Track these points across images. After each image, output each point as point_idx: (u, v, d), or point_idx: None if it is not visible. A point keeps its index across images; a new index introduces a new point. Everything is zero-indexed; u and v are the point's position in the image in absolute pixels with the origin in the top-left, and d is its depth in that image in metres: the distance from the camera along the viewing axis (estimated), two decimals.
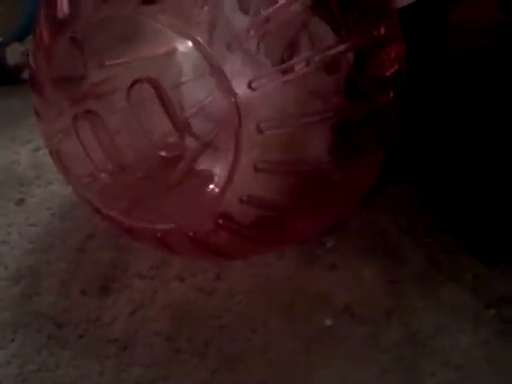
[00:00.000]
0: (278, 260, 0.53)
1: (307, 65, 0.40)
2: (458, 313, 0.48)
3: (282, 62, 0.40)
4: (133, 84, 0.40)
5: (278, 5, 0.39)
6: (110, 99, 0.43)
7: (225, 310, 0.50)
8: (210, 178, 0.42)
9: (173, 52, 0.41)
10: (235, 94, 0.39)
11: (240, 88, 0.39)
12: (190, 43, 0.39)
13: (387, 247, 0.53)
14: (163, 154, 0.42)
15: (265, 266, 0.52)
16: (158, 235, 0.46)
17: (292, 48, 0.41)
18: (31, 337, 0.49)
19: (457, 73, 0.50)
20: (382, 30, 0.42)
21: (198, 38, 0.38)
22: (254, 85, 0.39)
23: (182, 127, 0.41)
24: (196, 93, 0.41)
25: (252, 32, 0.39)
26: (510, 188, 0.49)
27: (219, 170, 0.42)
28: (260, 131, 0.40)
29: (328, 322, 0.49)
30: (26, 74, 0.72)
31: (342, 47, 0.41)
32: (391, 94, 0.44)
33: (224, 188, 0.41)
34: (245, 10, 0.40)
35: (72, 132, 0.44)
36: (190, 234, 0.45)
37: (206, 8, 0.38)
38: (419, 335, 0.47)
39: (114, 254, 0.55)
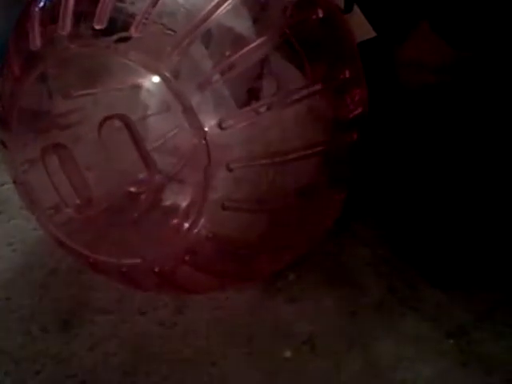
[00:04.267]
0: (238, 293, 0.52)
1: (272, 107, 0.40)
2: (419, 343, 0.48)
3: (248, 103, 0.40)
4: (104, 120, 0.39)
5: (244, 50, 0.39)
6: (78, 132, 0.42)
7: (185, 343, 0.49)
8: (176, 214, 0.41)
9: (140, 86, 0.40)
10: (205, 132, 0.38)
11: (210, 126, 0.38)
12: (158, 78, 0.38)
13: (348, 278, 0.53)
14: (132, 189, 0.41)
15: (225, 299, 0.51)
16: (123, 269, 0.44)
17: (257, 90, 0.41)
18: None
19: (411, 108, 0.51)
20: (347, 74, 0.43)
21: (167, 75, 0.38)
22: (223, 124, 0.38)
23: (151, 162, 0.40)
24: (161, 127, 0.41)
25: (217, 76, 0.39)
26: (467, 216, 0.49)
27: (187, 207, 0.41)
28: (229, 169, 0.39)
29: (288, 354, 0.48)
30: None
31: (306, 91, 0.41)
32: (354, 136, 0.44)
33: (192, 224, 0.41)
34: (210, 55, 0.39)
35: (39, 164, 0.42)
36: (156, 269, 0.43)
37: (176, 50, 0.38)
38: (380, 366, 0.46)
39: (75, 290, 0.52)
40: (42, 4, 0.42)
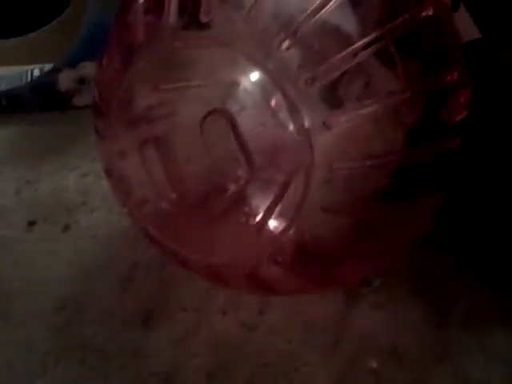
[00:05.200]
0: (322, 298, 0.50)
1: (377, 108, 0.38)
2: (508, 361, 0.45)
3: (345, 104, 0.38)
4: (207, 114, 0.38)
5: (344, 53, 0.38)
6: (177, 125, 0.41)
7: (267, 346, 0.47)
8: (269, 215, 0.40)
9: (244, 79, 0.39)
10: (310, 131, 0.37)
11: (314, 125, 0.37)
12: (262, 72, 0.37)
13: (435, 289, 0.51)
14: (229, 186, 0.40)
15: (308, 303, 0.49)
16: (213, 268, 0.44)
17: (363, 90, 0.39)
18: (73, 366, 0.46)
19: None
20: (455, 76, 0.40)
21: (273, 69, 0.37)
22: (328, 123, 0.37)
23: (251, 160, 0.39)
24: (263, 124, 0.40)
25: (322, 74, 0.37)
26: None
27: (284, 208, 0.39)
28: (331, 171, 0.38)
29: (374, 365, 0.46)
30: (76, 100, 0.71)
31: (407, 93, 0.39)
32: (458, 141, 0.42)
33: (288, 227, 0.39)
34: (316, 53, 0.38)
35: (136, 156, 0.42)
36: (246, 269, 0.42)
37: (283, 45, 0.37)
38: (471, 381, 0.44)
39: (157, 285, 0.51)
40: None
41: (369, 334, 0.48)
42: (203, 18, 0.38)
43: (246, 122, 0.39)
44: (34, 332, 0.49)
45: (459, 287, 0.51)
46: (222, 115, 0.38)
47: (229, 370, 0.46)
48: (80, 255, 0.55)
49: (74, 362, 0.46)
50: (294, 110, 0.37)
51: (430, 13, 0.41)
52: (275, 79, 0.37)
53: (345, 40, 0.38)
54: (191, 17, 0.39)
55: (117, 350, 0.47)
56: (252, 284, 0.44)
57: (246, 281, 0.44)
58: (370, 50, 0.38)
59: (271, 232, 0.40)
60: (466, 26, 0.47)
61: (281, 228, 0.40)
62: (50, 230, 0.58)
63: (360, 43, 0.38)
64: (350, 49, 0.38)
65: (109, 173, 0.45)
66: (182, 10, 0.39)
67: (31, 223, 0.59)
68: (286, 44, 0.37)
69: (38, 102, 0.72)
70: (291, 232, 0.40)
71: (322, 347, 0.47)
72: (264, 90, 0.38)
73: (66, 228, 0.58)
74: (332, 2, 0.38)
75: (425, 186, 0.43)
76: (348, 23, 0.39)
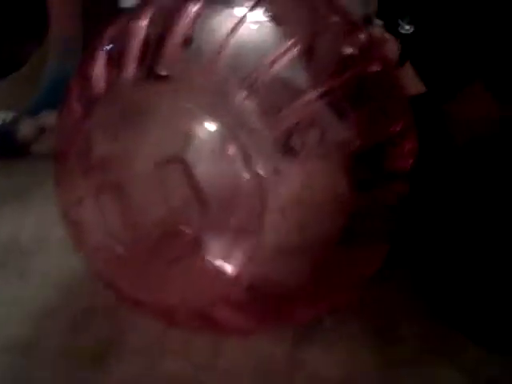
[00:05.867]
0: (275, 337, 0.50)
1: (329, 156, 0.41)
2: None
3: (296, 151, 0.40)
4: (162, 162, 0.39)
5: (297, 104, 0.40)
6: (134, 172, 0.42)
7: None
8: (224, 259, 0.41)
9: (199, 130, 0.40)
10: (263, 179, 0.38)
11: (266, 172, 0.38)
12: (218, 124, 0.39)
13: (385, 328, 0.52)
14: (184, 228, 0.41)
15: (261, 342, 0.50)
16: (166, 310, 0.44)
17: (316, 139, 0.41)
18: None
19: (460, 164, 0.51)
20: (399, 127, 0.43)
21: (228, 121, 0.38)
22: (282, 170, 0.39)
23: (205, 205, 0.40)
24: (217, 171, 0.41)
25: (274, 125, 0.39)
26: (507, 274, 0.48)
27: (237, 252, 0.40)
28: (283, 216, 0.39)
29: None
30: (36, 148, 0.71)
31: (357, 142, 0.41)
32: (402, 188, 0.44)
33: (241, 269, 0.40)
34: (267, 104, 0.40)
35: (92, 202, 0.42)
36: (199, 310, 0.43)
37: (238, 98, 0.38)
38: None
39: (110, 327, 0.51)
40: (106, 47, 0.43)
41: (319, 373, 0.48)
42: (162, 71, 0.40)
43: (202, 170, 0.40)
44: None
45: (409, 326, 0.52)
46: (178, 164, 0.39)
47: None
48: (33, 300, 0.54)
49: None
50: (248, 159, 0.38)
51: (377, 68, 0.44)
52: (231, 129, 0.39)
53: (298, 92, 0.40)
54: (150, 70, 0.40)
55: None
56: (204, 324, 0.44)
57: (198, 321, 0.44)
58: (322, 101, 0.40)
59: (225, 274, 0.41)
60: (413, 81, 0.50)
61: (235, 271, 0.40)
62: (5, 274, 0.58)
63: (312, 95, 0.40)
64: (302, 100, 0.40)
65: (66, 218, 0.45)
66: (141, 63, 0.41)
67: None
68: (242, 96, 0.38)
69: None
70: (244, 274, 0.40)
71: None
72: (220, 139, 0.39)
73: (22, 272, 0.58)
74: (286, 57, 0.40)
75: (375, 230, 0.45)
76: (301, 76, 0.42)
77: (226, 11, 0.41)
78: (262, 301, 0.43)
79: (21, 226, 0.63)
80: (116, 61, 0.41)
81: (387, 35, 0.50)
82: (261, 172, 0.38)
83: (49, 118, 0.69)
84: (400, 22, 0.51)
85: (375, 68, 0.43)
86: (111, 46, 0.42)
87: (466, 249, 0.50)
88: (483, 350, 0.49)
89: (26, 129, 0.69)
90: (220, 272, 0.41)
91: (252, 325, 0.46)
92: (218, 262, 0.42)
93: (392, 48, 0.50)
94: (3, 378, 0.47)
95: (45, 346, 0.50)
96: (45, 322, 0.52)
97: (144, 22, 0.41)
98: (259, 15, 0.41)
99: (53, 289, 0.55)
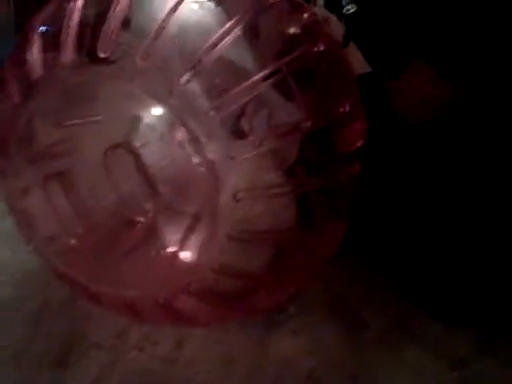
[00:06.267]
0: (239, 326, 0.50)
1: (271, 139, 0.39)
2: (422, 375, 0.46)
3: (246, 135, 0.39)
4: (110, 148, 0.38)
5: (243, 85, 0.38)
6: (81, 160, 0.41)
7: (185, 380, 0.46)
8: (181, 246, 0.40)
9: (145, 114, 0.39)
10: (213, 163, 0.37)
11: (218, 156, 0.37)
12: (164, 107, 0.37)
13: (348, 313, 0.52)
14: (135, 217, 0.40)
15: (226, 332, 0.49)
16: (127, 302, 0.42)
17: (265, 121, 0.40)
18: None
19: (406, 142, 0.51)
20: (347, 107, 0.42)
21: (174, 104, 0.37)
22: (232, 154, 0.37)
23: (155, 191, 0.38)
24: (166, 156, 0.40)
25: (222, 107, 0.37)
26: (466, 250, 0.49)
27: (193, 239, 0.39)
28: (236, 200, 0.38)
29: None
30: None
31: (307, 124, 0.40)
32: (356, 168, 0.43)
33: (198, 256, 0.39)
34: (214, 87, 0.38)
35: (40, 192, 0.41)
36: (160, 301, 0.41)
37: (182, 80, 0.37)
38: None
39: (70, 324, 0.49)
40: (41, 30, 0.40)
41: (286, 361, 0.48)
42: (101, 54, 0.38)
43: (152, 155, 0.39)
44: None
45: (371, 309, 0.52)
46: (125, 150, 0.38)
47: None
48: None
49: None
50: (197, 143, 0.37)
51: (322, 48, 0.43)
52: (177, 113, 0.37)
53: (244, 73, 0.39)
54: (89, 52, 0.38)
55: None
56: (167, 316, 0.43)
57: (160, 313, 0.43)
58: (268, 82, 0.39)
59: (184, 263, 0.40)
60: (357, 61, 0.49)
61: (193, 258, 0.40)
62: None
63: (258, 76, 0.39)
64: (248, 81, 0.39)
65: (13, 210, 0.44)
66: (79, 45, 0.39)
67: None
68: (185, 78, 0.37)
69: None
70: (203, 262, 0.39)
71: (240, 376, 0.47)
72: (167, 123, 0.38)
73: None
74: (229, 37, 0.39)
75: (328, 212, 0.44)
76: (246, 57, 0.40)
77: None
78: (224, 289, 0.42)
79: None
80: (52, 44, 0.40)
81: (330, 15, 0.49)
82: (211, 156, 0.37)
83: None
84: (343, 1, 0.50)
85: (320, 48, 0.41)
86: (46, 28, 0.39)
87: (416, 226, 0.50)
88: (446, 329, 0.50)
89: None
90: (177, 260, 0.40)
91: (216, 314, 0.45)
92: (175, 250, 0.40)
93: (336, 28, 0.49)
94: None
95: (3, 346, 0.48)
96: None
97: (79, 2, 0.38)
98: None
99: (6, 285, 0.53)
